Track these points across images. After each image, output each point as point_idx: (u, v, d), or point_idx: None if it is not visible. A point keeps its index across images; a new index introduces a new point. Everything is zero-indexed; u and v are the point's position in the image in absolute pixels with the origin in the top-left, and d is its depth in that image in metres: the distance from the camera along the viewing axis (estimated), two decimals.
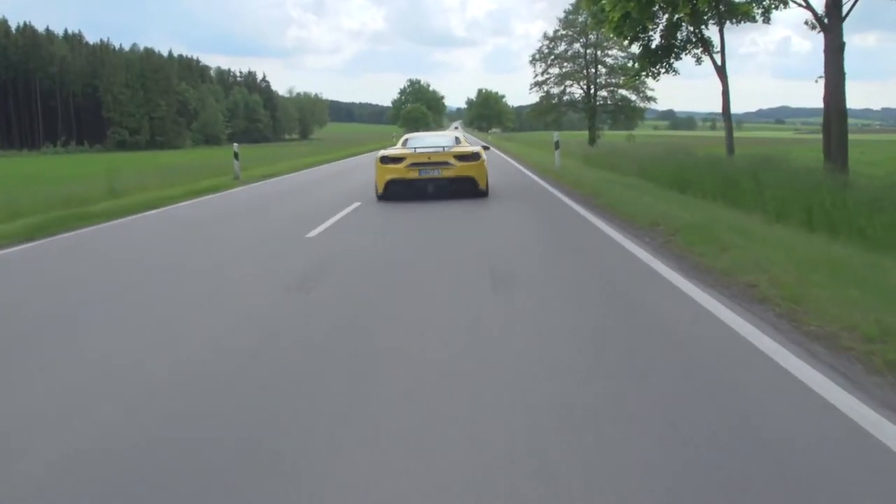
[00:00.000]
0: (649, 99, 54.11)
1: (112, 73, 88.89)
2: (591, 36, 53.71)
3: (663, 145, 24.49)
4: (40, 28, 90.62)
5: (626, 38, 18.38)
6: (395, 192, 9.61)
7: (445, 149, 9.69)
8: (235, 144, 16.04)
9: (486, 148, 10.48)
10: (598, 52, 54.40)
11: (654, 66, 18.32)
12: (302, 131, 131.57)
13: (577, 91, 55.71)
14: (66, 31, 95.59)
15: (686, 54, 18.40)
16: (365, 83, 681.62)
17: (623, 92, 54.49)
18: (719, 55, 17.80)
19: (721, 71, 17.12)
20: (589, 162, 17.70)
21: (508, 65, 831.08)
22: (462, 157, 9.58)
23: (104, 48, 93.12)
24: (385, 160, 9.71)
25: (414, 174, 9.47)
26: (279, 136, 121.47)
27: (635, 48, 18.87)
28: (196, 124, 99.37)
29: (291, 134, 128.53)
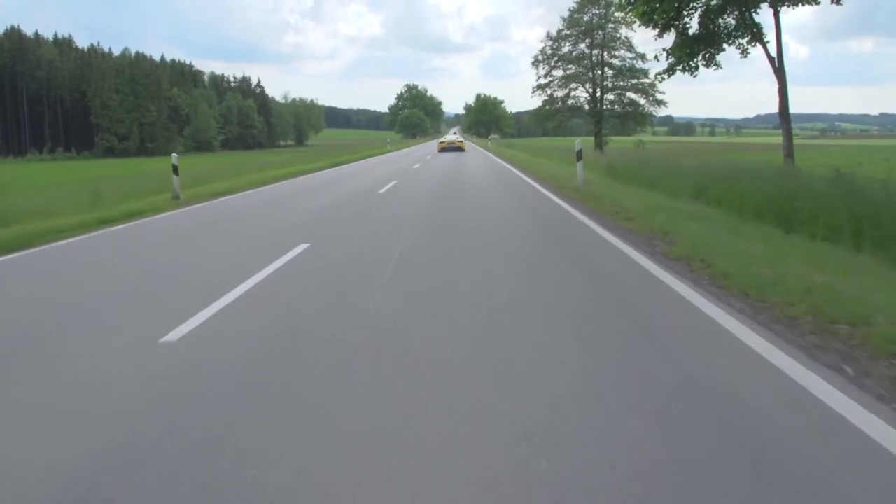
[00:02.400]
0: (659, 103, 51.19)
1: (101, 77, 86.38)
2: (597, 35, 50.80)
3: (691, 152, 21.18)
4: (29, 32, 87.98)
5: (655, 24, 15.28)
6: (444, 150, 42.03)
7: (453, 139, 49.38)
8: (174, 155, 12.80)
9: (466, 140, 58.02)
10: (605, 54, 51.55)
11: (693, 59, 15.20)
12: (298, 137, 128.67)
13: (582, 94, 52.82)
14: (55, 35, 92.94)
15: (730, 44, 15.30)
16: (363, 89, 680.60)
17: (632, 95, 51.57)
18: (765, 45, 14.75)
19: (777, 64, 13.99)
20: (615, 175, 14.50)
21: (506, 70, 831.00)
22: (459, 142, 46.92)
23: (93, 53, 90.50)
24: (441, 143, 46.41)
25: (446, 146, 44.56)
26: (274, 142, 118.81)
27: (665, 40, 15.78)
28: (188, 130, 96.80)
29: (287, 140, 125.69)
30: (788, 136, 14.02)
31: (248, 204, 11.76)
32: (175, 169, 12.52)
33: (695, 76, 15.50)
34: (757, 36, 14.52)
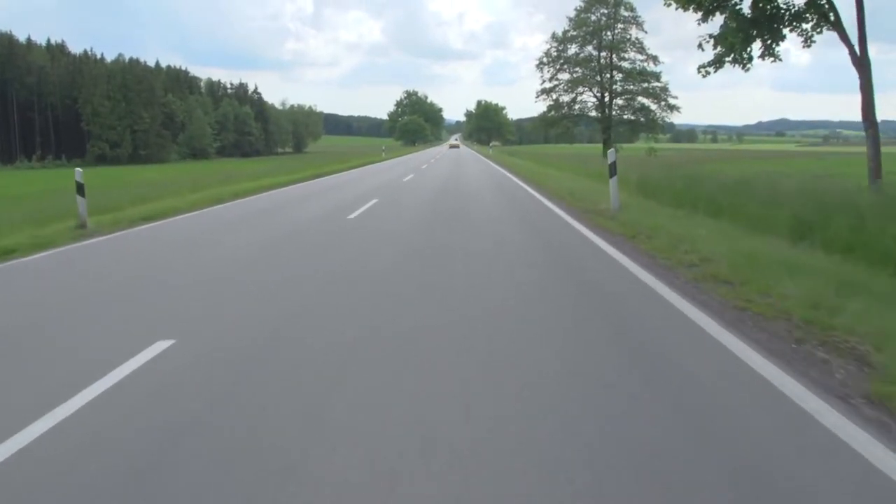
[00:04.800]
0: (672, 108, 48.44)
1: (92, 83, 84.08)
2: (605, 36, 48.07)
3: (707, 160, 18.17)
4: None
5: (699, 6, 12.33)
6: (450, 150, 72.51)
7: (455, 143, 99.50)
8: (78, 171, 9.72)
9: (466, 146, 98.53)
10: (614, 56, 48.86)
11: (748, 46, 12.18)
12: (296, 144, 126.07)
13: (589, 99, 50.09)
14: (48, 40, 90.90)
15: (793, 30, 12.30)
16: (363, 96, 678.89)
17: (642, 100, 48.80)
18: (843, 31, 11.76)
19: (860, 53, 10.98)
20: (649, 193, 11.42)
21: (507, 77, 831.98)
22: (457, 144, 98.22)
23: (85, 58, 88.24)
24: (450, 144, 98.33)
25: (451, 146, 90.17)
26: (272, 149, 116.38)
27: (711, 25, 12.82)
28: (182, 137, 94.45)
29: (285, 147, 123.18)
30: (876, 145, 10.93)
31: (163, 238, 8.70)
32: (80, 189, 9.48)
33: (747, 69, 12.47)
34: (827, 18, 11.51)
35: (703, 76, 12.59)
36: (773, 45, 11.88)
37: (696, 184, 10.22)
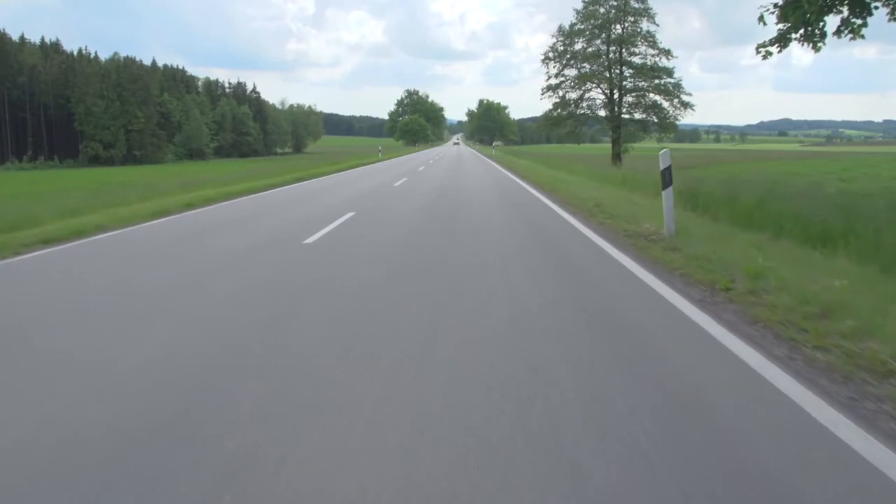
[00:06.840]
0: (685, 105, 45.83)
1: (85, 82, 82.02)
2: (614, 29, 45.49)
3: (725, 161, 15.68)
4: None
5: None
6: (453, 147, 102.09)
7: (457, 142, 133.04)
8: None
9: (468, 147, 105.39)
10: (624, 51, 46.25)
11: (821, 20, 9.64)
12: (295, 145, 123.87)
13: (598, 96, 47.44)
14: (42, 39, 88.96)
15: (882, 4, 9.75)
16: (365, 96, 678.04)
17: (654, 97, 46.20)
18: None
19: None
20: (698, 206, 8.87)
21: (508, 77, 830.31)
22: (459, 143, 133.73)
23: (79, 57, 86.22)
24: (454, 143, 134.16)
25: (453, 144, 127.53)
26: (270, 149, 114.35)
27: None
28: (179, 137, 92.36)
29: (284, 147, 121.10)
30: None
31: (33, 278, 6.17)
32: None
33: (818, 49, 9.94)
34: None
35: (764, 57, 10.04)
36: (862, 16, 9.31)
37: (771, 195, 7.65)
